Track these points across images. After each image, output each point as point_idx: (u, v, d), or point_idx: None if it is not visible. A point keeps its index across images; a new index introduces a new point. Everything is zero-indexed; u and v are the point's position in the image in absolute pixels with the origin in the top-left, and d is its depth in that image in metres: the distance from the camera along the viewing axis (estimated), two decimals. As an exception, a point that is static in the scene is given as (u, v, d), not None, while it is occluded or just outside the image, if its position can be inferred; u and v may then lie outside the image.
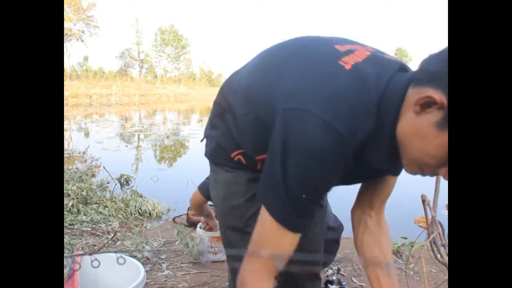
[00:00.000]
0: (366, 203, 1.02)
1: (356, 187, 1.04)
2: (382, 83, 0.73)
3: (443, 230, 1.26)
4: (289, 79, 0.78)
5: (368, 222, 1.01)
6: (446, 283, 1.76)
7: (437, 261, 1.29)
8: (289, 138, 0.71)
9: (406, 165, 0.75)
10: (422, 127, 0.68)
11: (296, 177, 0.71)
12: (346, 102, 0.71)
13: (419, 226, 3.03)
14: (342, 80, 0.73)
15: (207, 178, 2.01)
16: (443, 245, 1.23)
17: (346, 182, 0.86)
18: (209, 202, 2.06)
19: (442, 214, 3.15)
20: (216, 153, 1.02)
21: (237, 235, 1.02)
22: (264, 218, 0.76)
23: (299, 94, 0.74)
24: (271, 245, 0.75)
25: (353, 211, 1.06)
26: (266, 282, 0.76)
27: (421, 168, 0.73)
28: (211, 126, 1.05)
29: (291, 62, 0.81)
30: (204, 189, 1.98)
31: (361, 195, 1.04)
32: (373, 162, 0.79)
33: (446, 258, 1.21)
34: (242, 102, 0.90)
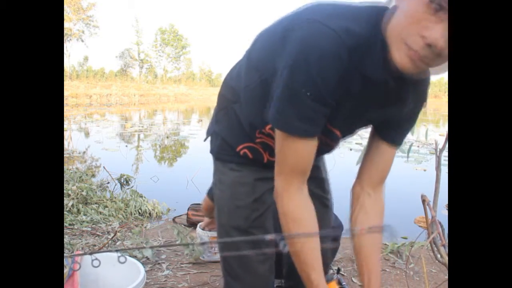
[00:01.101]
0: (365, 179, 1.01)
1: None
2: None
3: (443, 230, 1.26)
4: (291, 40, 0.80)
5: (365, 200, 1.00)
6: (446, 283, 1.76)
7: (437, 261, 1.29)
8: (294, 47, 0.76)
9: (403, 58, 0.73)
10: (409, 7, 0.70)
11: (298, 74, 0.76)
12: (341, 15, 0.78)
13: (419, 226, 3.03)
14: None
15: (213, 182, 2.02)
16: (443, 245, 1.23)
17: (349, 116, 0.88)
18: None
19: (442, 214, 3.15)
20: (222, 150, 1.03)
21: (241, 235, 1.02)
22: (277, 136, 0.83)
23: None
24: (290, 157, 0.83)
25: (353, 188, 1.05)
26: (296, 187, 0.84)
27: (418, 54, 0.71)
28: (216, 121, 1.06)
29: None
30: (212, 194, 1.99)
31: (361, 171, 1.03)
32: (369, 71, 0.79)
33: (446, 258, 1.21)
34: (245, 77, 0.94)
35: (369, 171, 1.00)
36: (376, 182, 1.01)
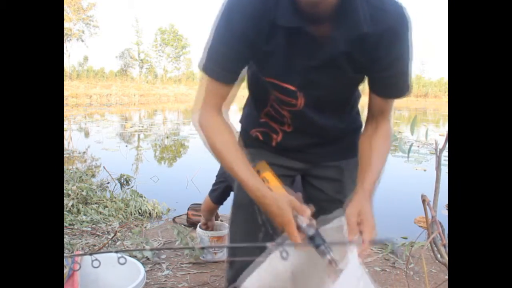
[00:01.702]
0: (369, 117, 1.03)
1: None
2: None
3: (443, 230, 1.26)
4: None
5: (368, 128, 1.03)
6: (446, 283, 1.76)
7: (437, 261, 1.29)
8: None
9: None
10: None
11: (217, 20, 0.87)
12: None
13: (419, 226, 3.03)
14: None
15: (214, 184, 2.02)
16: (443, 245, 1.23)
17: (292, 68, 0.90)
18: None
19: (442, 214, 3.15)
20: (241, 136, 1.15)
21: (245, 211, 1.09)
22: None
23: None
24: (205, 93, 0.95)
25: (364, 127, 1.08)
26: (211, 114, 0.95)
27: None
28: (241, 114, 1.18)
29: None
30: (214, 196, 2.00)
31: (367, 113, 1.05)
32: (282, 19, 0.82)
33: (446, 258, 1.21)
34: None
35: (371, 114, 1.02)
36: (376, 115, 1.01)
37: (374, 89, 0.97)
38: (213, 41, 0.88)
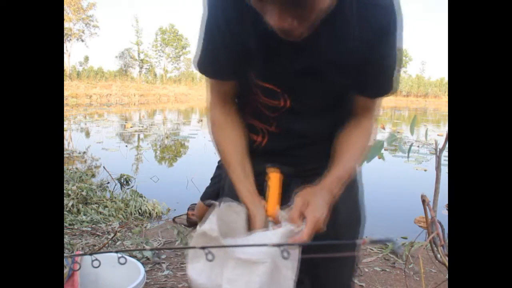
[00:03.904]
0: (352, 112, 0.96)
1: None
2: None
3: (443, 230, 1.26)
4: None
5: (349, 123, 0.94)
6: (446, 283, 1.76)
7: (437, 261, 1.29)
8: None
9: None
10: None
11: (205, 15, 0.84)
12: None
13: (419, 226, 3.03)
14: None
15: (206, 188, 2.02)
16: (442, 245, 1.23)
17: (276, 71, 0.86)
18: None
19: (442, 214, 3.15)
20: None
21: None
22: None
23: None
24: (207, 90, 0.96)
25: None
26: (218, 110, 0.95)
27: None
28: None
29: None
30: (206, 199, 1.99)
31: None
32: (261, 26, 0.76)
33: (445, 258, 1.21)
34: None
35: (354, 110, 0.95)
36: (358, 111, 0.94)
37: (355, 87, 0.90)
38: (202, 39, 0.86)
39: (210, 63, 0.89)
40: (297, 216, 0.78)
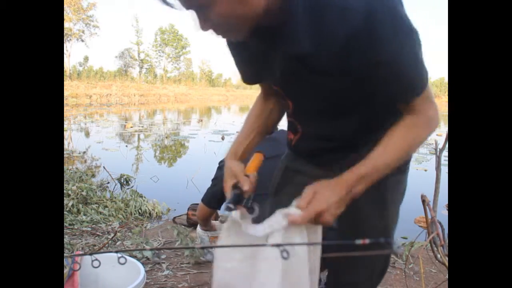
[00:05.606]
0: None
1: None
2: None
3: (443, 230, 1.26)
4: None
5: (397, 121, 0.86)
6: (446, 283, 1.76)
7: (436, 261, 1.29)
8: None
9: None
10: None
11: None
12: None
13: (419, 226, 3.03)
14: None
15: (208, 189, 2.01)
16: (442, 246, 1.23)
17: (281, 84, 0.90)
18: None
19: (442, 214, 3.15)
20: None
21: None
22: None
23: None
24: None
25: None
26: (258, 99, 1.09)
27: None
28: None
29: None
30: (207, 199, 1.98)
31: None
32: None
33: (445, 258, 1.21)
34: None
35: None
36: (403, 107, 0.85)
37: (373, 94, 0.83)
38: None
39: (238, 71, 1.01)
40: (303, 204, 0.78)
